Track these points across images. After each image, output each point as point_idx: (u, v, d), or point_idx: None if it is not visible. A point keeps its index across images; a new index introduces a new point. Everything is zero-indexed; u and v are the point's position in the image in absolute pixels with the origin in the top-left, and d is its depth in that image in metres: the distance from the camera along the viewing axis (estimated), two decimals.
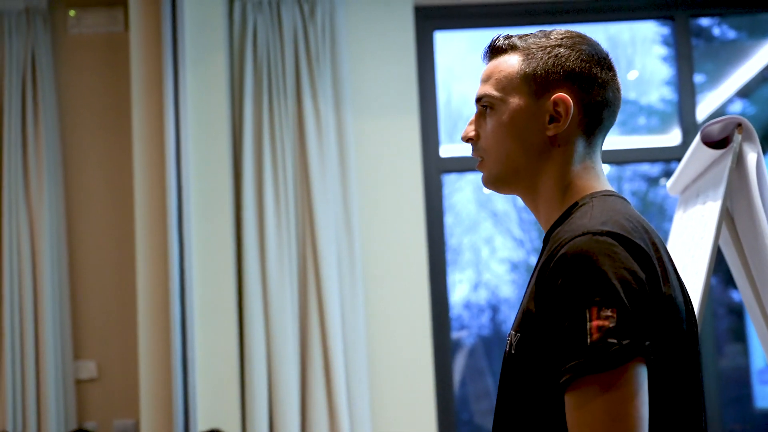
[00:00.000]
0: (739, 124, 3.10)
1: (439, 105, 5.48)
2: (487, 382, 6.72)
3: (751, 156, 3.08)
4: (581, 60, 1.96)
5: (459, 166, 5.59)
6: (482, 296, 7.14)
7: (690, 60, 5.41)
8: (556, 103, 1.94)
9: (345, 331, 5.07)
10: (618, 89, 2.01)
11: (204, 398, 4.98)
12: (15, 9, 5.23)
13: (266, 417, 4.99)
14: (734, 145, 3.09)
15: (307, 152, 5.13)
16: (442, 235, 5.39)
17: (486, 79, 2.02)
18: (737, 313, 6.58)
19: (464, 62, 5.87)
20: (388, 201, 5.28)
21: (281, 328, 5.01)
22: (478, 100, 2.02)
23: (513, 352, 1.87)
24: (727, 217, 3.15)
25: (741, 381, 6.38)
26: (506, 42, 2.02)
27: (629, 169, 6.65)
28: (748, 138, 3.10)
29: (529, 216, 7.64)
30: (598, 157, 2.00)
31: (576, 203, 1.93)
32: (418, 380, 5.13)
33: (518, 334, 1.85)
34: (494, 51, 2.04)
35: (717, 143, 3.15)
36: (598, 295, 1.68)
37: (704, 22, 6.08)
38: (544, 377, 1.77)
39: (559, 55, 1.96)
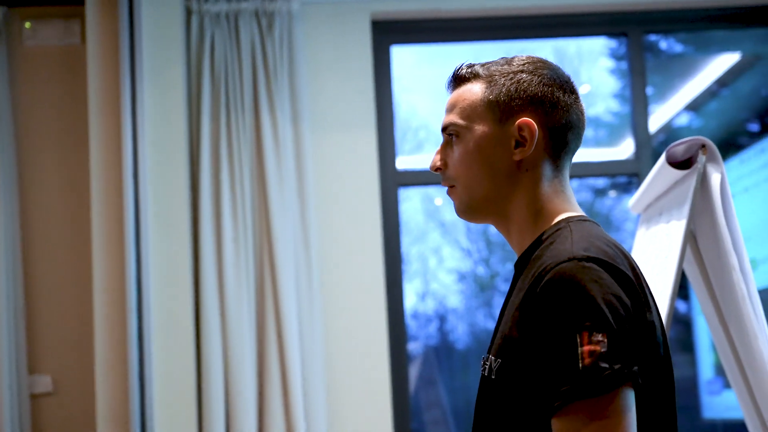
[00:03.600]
0: (703, 145, 3.12)
1: (399, 119, 5.44)
2: (438, 391, 6.71)
3: (715, 176, 3.10)
4: (543, 84, 1.96)
5: (416, 180, 5.57)
6: (430, 306, 7.13)
7: (643, 75, 5.42)
8: (520, 128, 1.93)
9: (302, 344, 5.03)
10: (581, 111, 2.01)
11: (161, 414, 4.92)
12: None
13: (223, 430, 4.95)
14: (699, 165, 3.11)
15: (264, 166, 5.09)
16: (398, 248, 5.37)
17: (450, 109, 2.02)
18: (684, 323, 6.60)
19: (413, 74, 5.84)
20: (345, 214, 5.25)
21: (239, 343, 4.97)
22: (444, 129, 2.02)
23: (493, 377, 1.84)
24: (689, 236, 3.17)
25: (688, 391, 6.40)
26: (469, 71, 2.03)
27: (575, 180, 6.66)
28: (712, 159, 3.13)
29: (477, 226, 7.67)
30: (566, 179, 2.00)
31: (550, 227, 1.92)
32: (375, 392, 5.10)
33: (498, 360, 1.83)
34: (457, 80, 2.04)
35: (681, 163, 3.16)
36: (588, 320, 1.66)
37: (652, 36, 6.09)
38: (528, 403, 1.74)
39: (522, 81, 1.96)
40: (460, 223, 7.54)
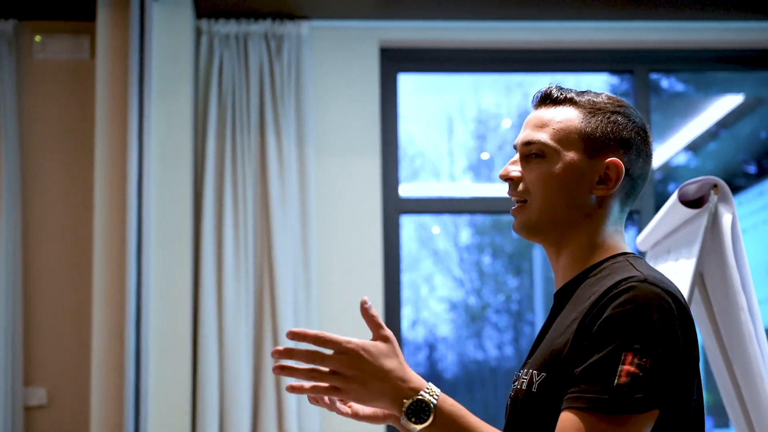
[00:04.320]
0: (716, 185, 3.11)
1: (400, 146, 5.47)
2: None
3: (726, 217, 3.10)
4: (635, 132, 1.99)
5: (417, 207, 5.60)
6: (420, 334, 7.12)
7: (648, 112, 5.43)
8: (608, 167, 1.95)
9: None
10: (652, 162, 2.05)
11: (155, 429, 4.88)
12: None
13: None
14: (710, 205, 3.10)
15: (268, 187, 5.08)
16: (398, 275, 5.37)
17: (540, 126, 2.00)
18: None
19: (411, 103, 5.83)
20: (346, 239, 5.24)
21: (235, 363, 4.94)
22: (528, 143, 2.00)
23: (534, 390, 1.86)
24: (698, 274, 3.15)
25: None
26: (563, 94, 2.01)
27: None
28: (723, 199, 3.12)
29: (470, 256, 7.66)
30: (624, 221, 2.03)
31: (606, 259, 1.95)
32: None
33: (542, 374, 1.85)
34: (549, 100, 2.03)
35: (692, 202, 3.15)
36: (640, 342, 1.70)
37: (654, 75, 6.11)
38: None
39: (618, 122, 1.97)
40: (454, 253, 7.54)
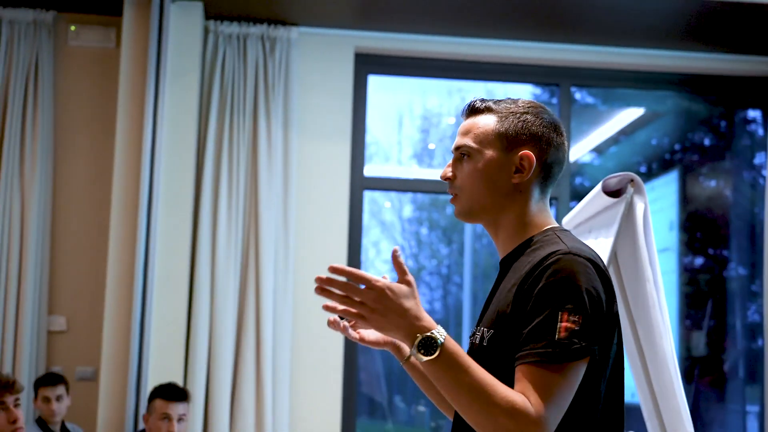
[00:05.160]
0: (632, 180, 3.06)
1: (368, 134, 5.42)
2: (373, 356, 6.63)
3: (640, 206, 3.04)
4: (543, 126, 1.96)
5: (378, 185, 5.58)
6: None
7: (568, 120, 5.40)
8: (522, 158, 1.93)
9: (276, 310, 4.99)
10: (565, 151, 2.01)
11: (155, 355, 4.86)
12: (24, 20, 5.06)
13: (204, 373, 4.91)
14: (627, 195, 3.04)
15: (257, 162, 5.04)
16: (359, 237, 5.32)
17: (465, 133, 1.99)
18: None
19: (370, 99, 5.75)
20: (320, 207, 5.22)
21: (223, 305, 4.93)
22: (458, 148, 1.99)
23: (485, 344, 1.87)
24: (612, 252, 3.10)
25: None
26: (483, 104, 2.00)
27: None
28: (638, 191, 3.06)
29: (411, 227, 7.63)
30: (548, 200, 2.01)
31: (538, 234, 1.94)
32: (329, 352, 5.08)
33: (491, 331, 1.86)
34: (472, 111, 2.01)
35: (613, 192, 3.09)
36: (571, 303, 1.73)
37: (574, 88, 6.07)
38: (512, 363, 1.79)
39: (527, 120, 1.95)
40: (398, 224, 7.51)
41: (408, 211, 7.61)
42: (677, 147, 6.36)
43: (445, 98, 6.56)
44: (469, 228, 6.89)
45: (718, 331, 6.05)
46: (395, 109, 6.43)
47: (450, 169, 2.01)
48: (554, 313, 1.73)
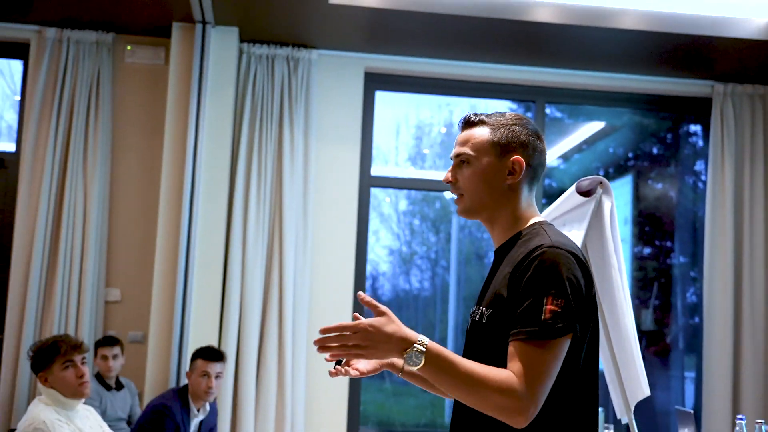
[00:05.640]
0: (601, 182, 3.05)
1: (374, 140, 5.43)
2: None
3: (607, 204, 3.04)
4: (529, 135, 1.96)
5: (383, 183, 5.56)
6: (367, 269, 7.15)
7: (543, 131, 5.36)
8: (513, 163, 1.94)
9: (296, 285, 5.00)
10: (546, 155, 2.02)
11: (195, 322, 4.88)
12: (88, 40, 5.07)
13: (236, 338, 4.92)
14: (597, 195, 3.04)
15: (282, 163, 5.04)
16: (366, 227, 5.35)
17: (464, 143, 1.98)
18: None
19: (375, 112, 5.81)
20: (334, 201, 5.21)
21: (252, 280, 4.93)
22: (457, 156, 1.99)
23: (484, 322, 1.87)
24: (584, 244, 3.09)
25: None
26: (477, 118, 1.99)
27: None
28: (606, 192, 3.06)
29: (405, 218, 7.65)
30: (534, 197, 2.01)
31: (526, 228, 1.94)
32: (340, 315, 5.03)
33: (489, 310, 1.86)
34: (468, 123, 2.01)
35: (585, 192, 3.10)
36: (554, 289, 1.74)
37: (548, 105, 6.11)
38: (506, 340, 1.79)
39: (516, 131, 1.95)
40: (394, 215, 7.52)
41: (403, 205, 7.60)
42: (631, 155, 6.33)
43: (435, 111, 6.54)
44: (454, 220, 6.94)
45: (663, 309, 6.02)
46: (394, 120, 6.46)
47: (451, 174, 2.00)
48: (540, 297, 1.73)
